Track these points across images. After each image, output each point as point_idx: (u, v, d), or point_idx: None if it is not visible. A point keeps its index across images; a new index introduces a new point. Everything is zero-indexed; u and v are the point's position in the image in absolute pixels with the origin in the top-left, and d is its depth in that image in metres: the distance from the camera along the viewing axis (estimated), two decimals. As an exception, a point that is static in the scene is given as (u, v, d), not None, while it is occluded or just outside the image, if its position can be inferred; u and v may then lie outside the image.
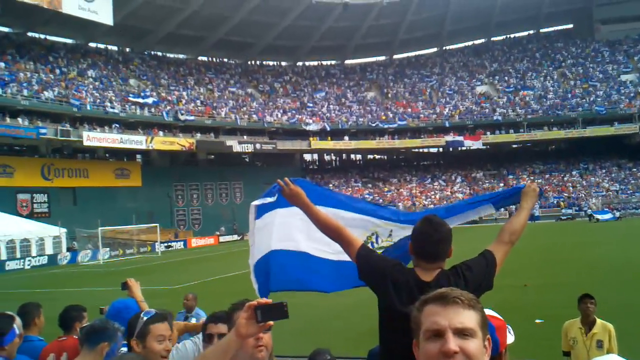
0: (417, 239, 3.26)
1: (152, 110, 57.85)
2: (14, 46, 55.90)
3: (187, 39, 68.81)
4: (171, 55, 72.34)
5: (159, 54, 71.04)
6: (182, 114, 58.67)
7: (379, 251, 3.97)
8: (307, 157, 75.61)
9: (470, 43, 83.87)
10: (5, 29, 57.89)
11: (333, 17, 71.45)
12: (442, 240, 3.20)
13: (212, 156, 65.62)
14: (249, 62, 78.10)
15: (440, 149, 73.67)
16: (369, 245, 4.04)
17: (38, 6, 52.33)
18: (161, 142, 55.51)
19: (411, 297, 2.85)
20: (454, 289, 1.79)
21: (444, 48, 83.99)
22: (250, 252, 4.20)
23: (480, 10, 74.41)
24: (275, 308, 2.13)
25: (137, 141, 53.37)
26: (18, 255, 40.31)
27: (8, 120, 45.98)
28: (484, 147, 69.39)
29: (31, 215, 47.47)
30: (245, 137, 62.86)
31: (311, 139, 66.00)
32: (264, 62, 79.66)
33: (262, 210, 4.12)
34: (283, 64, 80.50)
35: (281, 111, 68.85)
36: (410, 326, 1.82)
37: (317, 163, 77.16)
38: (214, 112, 62.99)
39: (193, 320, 7.62)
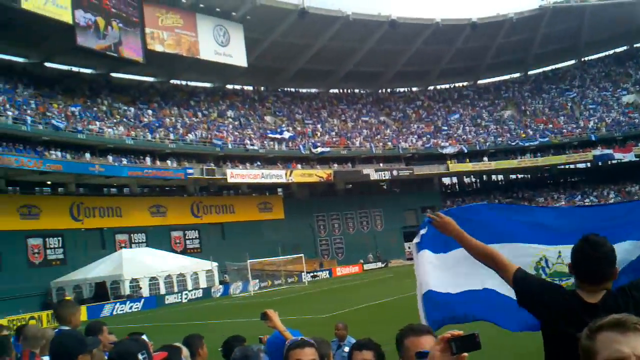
0: (576, 259, 3.09)
1: (290, 144, 59.55)
2: (159, 94, 59.90)
3: (318, 74, 70.46)
4: (303, 90, 74.35)
5: (292, 90, 73.25)
6: (317, 147, 59.92)
7: (554, 279, 3.84)
8: (446, 180, 74.49)
9: (611, 52, 79.41)
10: (151, 79, 62.19)
11: (462, 39, 70.43)
12: (603, 260, 3.01)
13: (350, 185, 66.30)
14: (380, 91, 78.55)
15: (588, 164, 69.90)
16: (540, 272, 3.92)
17: (178, 55, 55.95)
18: (300, 174, 56.93)
19: (577, 320, 2.70)
20: (629, 315, 1.65)
21: (583, 59, 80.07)
22: (418, 288, 4.32)
23: (619, 18, 70.28)
24: (467, 339, 2.11)
25: (277, 175, 55.07)
26: (175, 289, 42.62)
27: (158, 163, 49.15)
28: (637, 159, 65.09)
29: (184, 251, 50.09)
30: (381, 164, 63.06)
31: (449, 162, 64.94)
32: (395, 89, 79.81)
33: (421, 246, 4.32)
34: (414, 89, 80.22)
35: (415, 136, 68.48)
36: (579, 352, 1.71)
37: (456, 186, 75.74)
38: (348, 142, 63.82)
39: (346, 349, 7.69)
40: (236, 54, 59.11)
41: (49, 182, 44.70)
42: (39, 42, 49.36)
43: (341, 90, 76.60)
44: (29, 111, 43.15)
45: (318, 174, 57.94)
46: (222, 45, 58.23)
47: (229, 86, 68.43)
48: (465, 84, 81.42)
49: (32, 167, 38.88)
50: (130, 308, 38.18)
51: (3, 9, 42.09)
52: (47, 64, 53.43)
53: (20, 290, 37.70)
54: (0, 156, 37.22)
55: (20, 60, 51.62)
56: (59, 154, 42.67)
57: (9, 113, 41.05)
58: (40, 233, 41.84)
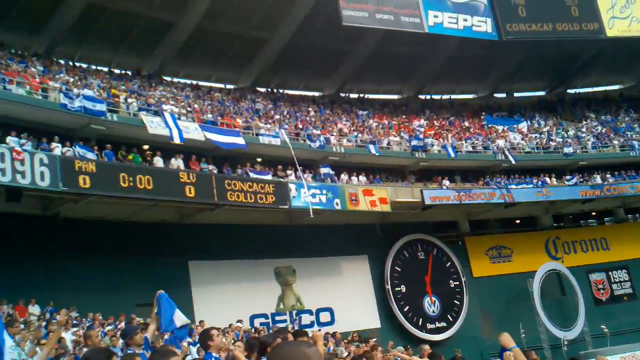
0: None
1: None
2: None
3: None
4: None
5: None
6: None
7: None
8: None
9: None
10: None
11: None
12: None
13: None
14: None
15: None
16: None
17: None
18: None
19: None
20: None
21: None
22: None
23: None
24: None
25: None
26: None
27: None
28: None
29: None
30: None
31: None
32: None
33: None
34: None
35: None
36: None
37: None
38: None
39: None
40: None
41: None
42: (628, 66, 48.33)
43: None
44: (634, 136, 42.09)
45: None
46: None
47: None
48: None
49: (650, 190, 37.35)
50: None
51: (591, 43, 43.35)
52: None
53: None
54: (615, 186, 37.04)
55: (615, 87, 51.28)
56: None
57: (615, 142, 40.86)
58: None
